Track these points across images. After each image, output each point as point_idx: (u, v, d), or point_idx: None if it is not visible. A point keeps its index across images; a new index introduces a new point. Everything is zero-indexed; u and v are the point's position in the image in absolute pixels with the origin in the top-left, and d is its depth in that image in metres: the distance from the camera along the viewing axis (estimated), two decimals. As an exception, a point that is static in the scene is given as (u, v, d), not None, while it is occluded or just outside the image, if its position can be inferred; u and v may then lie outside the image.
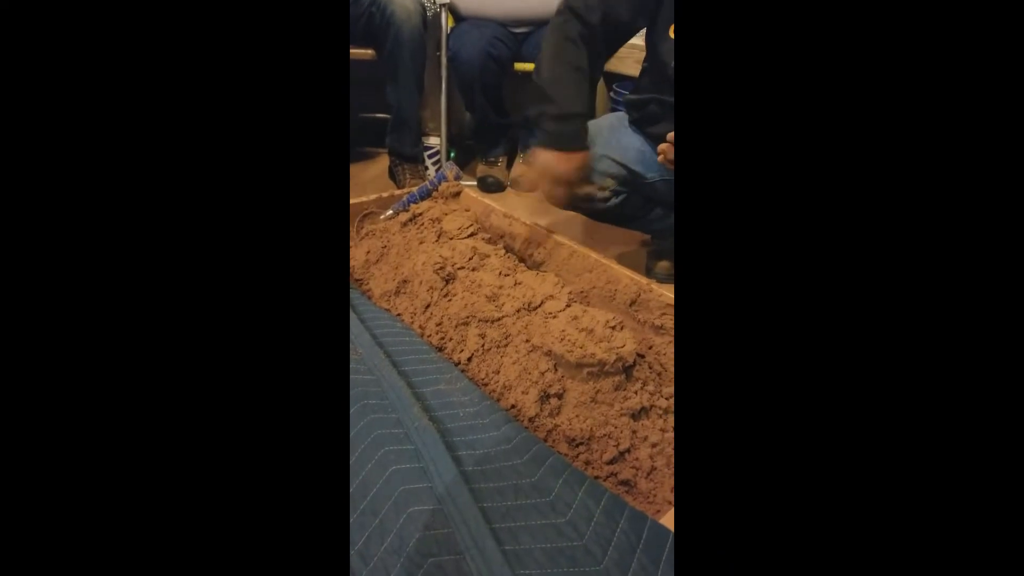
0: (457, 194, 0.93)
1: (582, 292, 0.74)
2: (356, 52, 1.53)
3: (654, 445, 0.54)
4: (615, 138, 1.03)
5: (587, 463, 0.53)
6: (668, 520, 0.42)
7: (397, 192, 0.94)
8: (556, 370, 0.58)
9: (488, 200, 0.90)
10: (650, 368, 0.61)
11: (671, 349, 0.65)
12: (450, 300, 0.68)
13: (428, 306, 0.70)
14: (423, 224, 0.85)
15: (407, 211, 0.88)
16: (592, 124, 1.02)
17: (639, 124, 1.03)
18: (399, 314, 0.71)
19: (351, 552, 0.38)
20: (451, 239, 0.80)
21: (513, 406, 0.57)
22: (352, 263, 0.81)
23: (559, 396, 0.57)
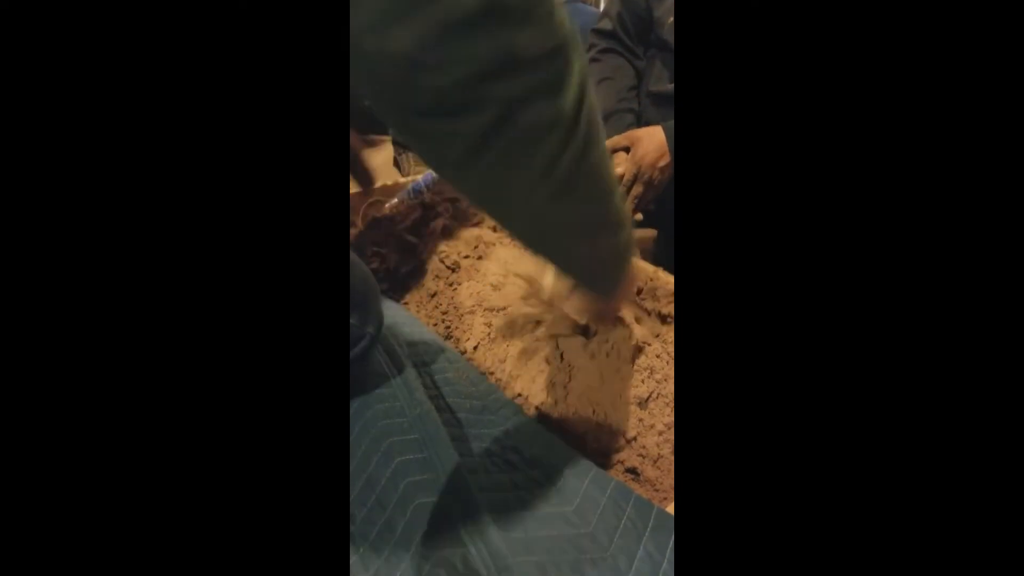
0: (462, 183, 0.92)
1: (588, 280, 0.73)
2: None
3: (660, 433, 0.54)
4: None
5: (594, 451, 0.53)
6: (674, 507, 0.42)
7: (402, 180, 0.93)
8: (562, 358, 0.58)
9: (493, 188, 0.89)
10: (657, 356, 0.61)
11: (678, 336, 0.65)
12: (455, 289, 0.68)
13: (434, 295, 0.70)
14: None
15: (412, 199, 0.88)
16: None
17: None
18: (405, 303, 0.71)
19: (363, 547, 0.38)
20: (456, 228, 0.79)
21: (519, 395, 0.57)
22: (358, 252, 0.81)
23: (565, 385, 0.57)
